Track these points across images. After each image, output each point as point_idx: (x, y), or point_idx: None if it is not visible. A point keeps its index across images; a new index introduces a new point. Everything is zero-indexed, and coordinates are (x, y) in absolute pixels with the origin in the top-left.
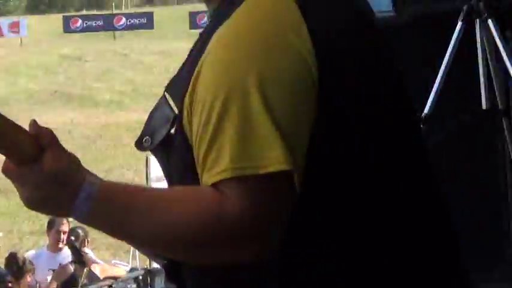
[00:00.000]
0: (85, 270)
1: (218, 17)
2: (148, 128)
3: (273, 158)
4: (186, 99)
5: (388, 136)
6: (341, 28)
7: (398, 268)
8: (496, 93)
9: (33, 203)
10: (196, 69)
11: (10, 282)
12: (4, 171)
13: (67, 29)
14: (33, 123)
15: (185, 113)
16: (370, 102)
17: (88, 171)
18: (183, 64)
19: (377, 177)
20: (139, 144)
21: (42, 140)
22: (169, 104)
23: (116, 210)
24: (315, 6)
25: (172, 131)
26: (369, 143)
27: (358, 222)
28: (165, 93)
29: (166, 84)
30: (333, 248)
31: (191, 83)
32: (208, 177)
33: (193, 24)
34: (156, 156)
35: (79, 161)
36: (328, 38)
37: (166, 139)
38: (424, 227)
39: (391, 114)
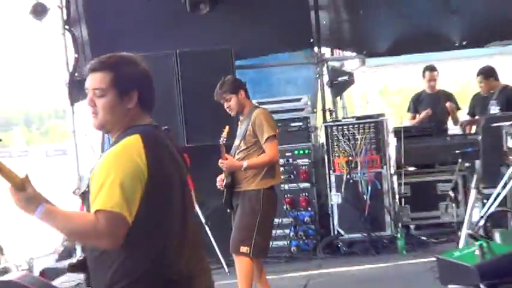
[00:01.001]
0: None
1: (114, 144)
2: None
3: (120, 204)
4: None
5: (179, 199)
6: (161, 158)
7: (177, 260)
8: None
9: (20, 207)
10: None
11: None
12: (10, 192)
13: None
14: (26, 175)
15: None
16: (170, 185)
17: (44, 198)
18: None
19: (169, 217)
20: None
21: (25, 181)
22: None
23: (52, 217)
24: (151, 145)
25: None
26: (168, 204)
27: (161, 234)
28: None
29: None
30: (142, 247)
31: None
32: (92, 209)
33: None
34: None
35: (40, 194)
36: (154, 158)
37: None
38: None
39: (180, 190)
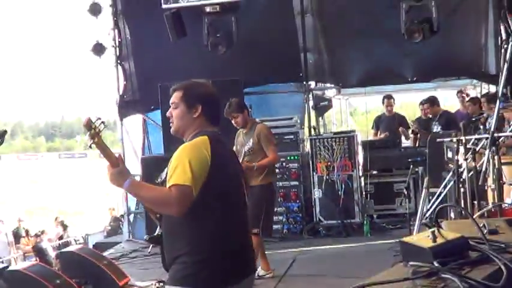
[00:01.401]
0: None
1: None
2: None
3: (188, 180)
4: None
5: (232, 186)
6: (222, 154)
7: (227, 234)
8: None
9: (112, 181)
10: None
11: None
12: (108, 168)
13: None
14: (119, 155)
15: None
16: (227, 174)
17: (129, 172)
18: None
19: (225, 197)
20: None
21: (119, 160)
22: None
23: (136, 188)
24: (215, 144)
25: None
26: (224, 187)
27: (214, 213)
28: None
29: None
30: (208, 215)
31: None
32: (168, 184)
33: None
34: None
35: (128, 170)
36: (216, 153)
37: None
38: (240, 221)
39: (234, 180)
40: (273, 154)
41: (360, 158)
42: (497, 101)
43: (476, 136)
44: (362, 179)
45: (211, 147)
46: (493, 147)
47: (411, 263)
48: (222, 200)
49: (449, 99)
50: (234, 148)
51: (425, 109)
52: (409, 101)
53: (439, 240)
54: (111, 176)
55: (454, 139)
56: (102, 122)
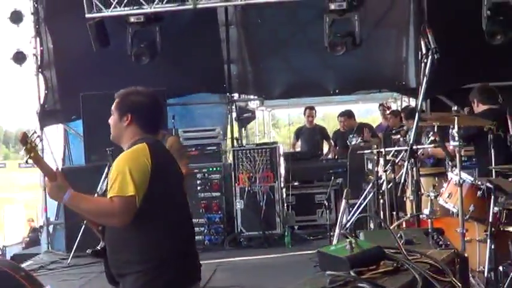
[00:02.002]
0: None
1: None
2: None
3: (130, 190)
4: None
5: (175, 191)
6: (162, 160)
7: (174, 239)
8: None
9: (52, 195)
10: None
11: None
12: (46, 183)
13: None
14: (57, 168)
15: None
16: (169, 180)
17: (68, 185)
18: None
19: (169, 203)
20: None
21: (57, 173)
22: None
23: (76, 201)
24: (154, 151)
25: None
26: (167, 193)
27: (159, 219)
28: None
29: None
30: (153, 221)
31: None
32: (108, 195)
33: None
34: None
35: (67, 184)
36: (156, 160)
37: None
38: (186, 224)
39: (176, 184)
40: (185, 169)
41: (282, 169)
42: (416, 114)
43: (396, 148)
44: (284, 190)
45: (151, 154)
46: (412, 159)
47: (328, 272)
48: (165, 205)
49: (370, 112)
50: None
51: (342, 122)
52: (331, 112)
53: (356, 250)
54: (50, 190)
55: (375, 151)
56: (38, 136)
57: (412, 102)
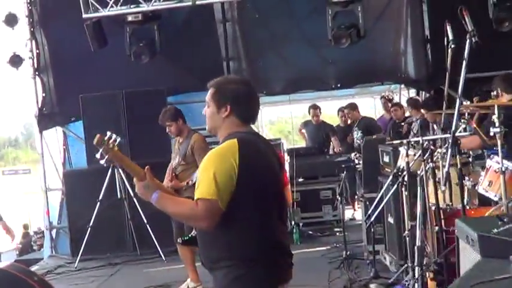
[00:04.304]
0: None
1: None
2: None
3: (213, 194)
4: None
5: (268, 188)
6: (251, 151)
7: (268, 238)
8: None
9: (140, 195)
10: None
11: None
12: (135, 182)
13: None
14: (147, 168)
15: None
16: (259, 177)
17: (157, 185)
18: None
19: (260, 201)
20: None
21: (146, 172)
22: None
23: (163, 202)
24: (245, 148)
25: None
26: (257, 192)
27: (248, 220)
28: None
29: None
30: (244, 221)
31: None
32: (195, 197)
33: None
34: None
35: (156, 183)
36: (246, 159)
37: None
38: (280, 221)
39: (270, 180)
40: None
41: (286, 165)
42: (457, 100)
43: (436, 136)
44: (288, 186)
45: (240, 153)
46: (454, 147)
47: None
48: (255, 203)
49: (367, 106)
50: (172, 156)
51: (346, 114)
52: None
53: None
54: (139, 190)
55: (405, 141)
56: (115, 137)
57: (412, 94)
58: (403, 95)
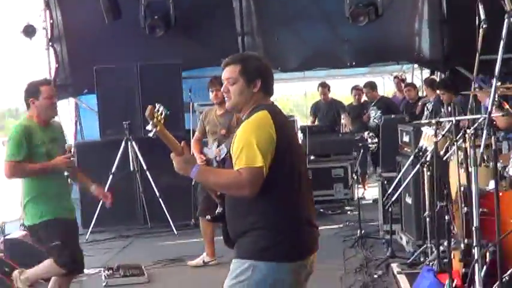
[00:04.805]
0: None
1: (246, 118)
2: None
3: (258, 161)
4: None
5: (298, 158)
6: (284, 128)
7: (297, 207)
8: None
9: (179, 170)
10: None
11: None
12: (173, 157)
13: None
14: (184, 143)
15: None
16: (292, 146)
17: (195, 160)
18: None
19: (294, 171)
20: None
21: (184, 147)
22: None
23: (205, 175)
24: (276, 118)
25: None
26: (290, 164)
27: (284, 188)
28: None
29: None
30: (279, 190)
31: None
32: (236, 167)
33: None
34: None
35: (194, 157)
36: (280, 129)
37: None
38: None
39: (299, 151)
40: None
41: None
42: (494, 81)
43: (472, 116)
44: None
45: (274, 123)
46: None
47: None
48: (291, 173)
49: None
50: (200, 127)
51: (366, 93)
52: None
53: None
54: (178, 165)
55: (433, 120)
56: (164, 110)
57: (426, 75)
58: (416, 75)
